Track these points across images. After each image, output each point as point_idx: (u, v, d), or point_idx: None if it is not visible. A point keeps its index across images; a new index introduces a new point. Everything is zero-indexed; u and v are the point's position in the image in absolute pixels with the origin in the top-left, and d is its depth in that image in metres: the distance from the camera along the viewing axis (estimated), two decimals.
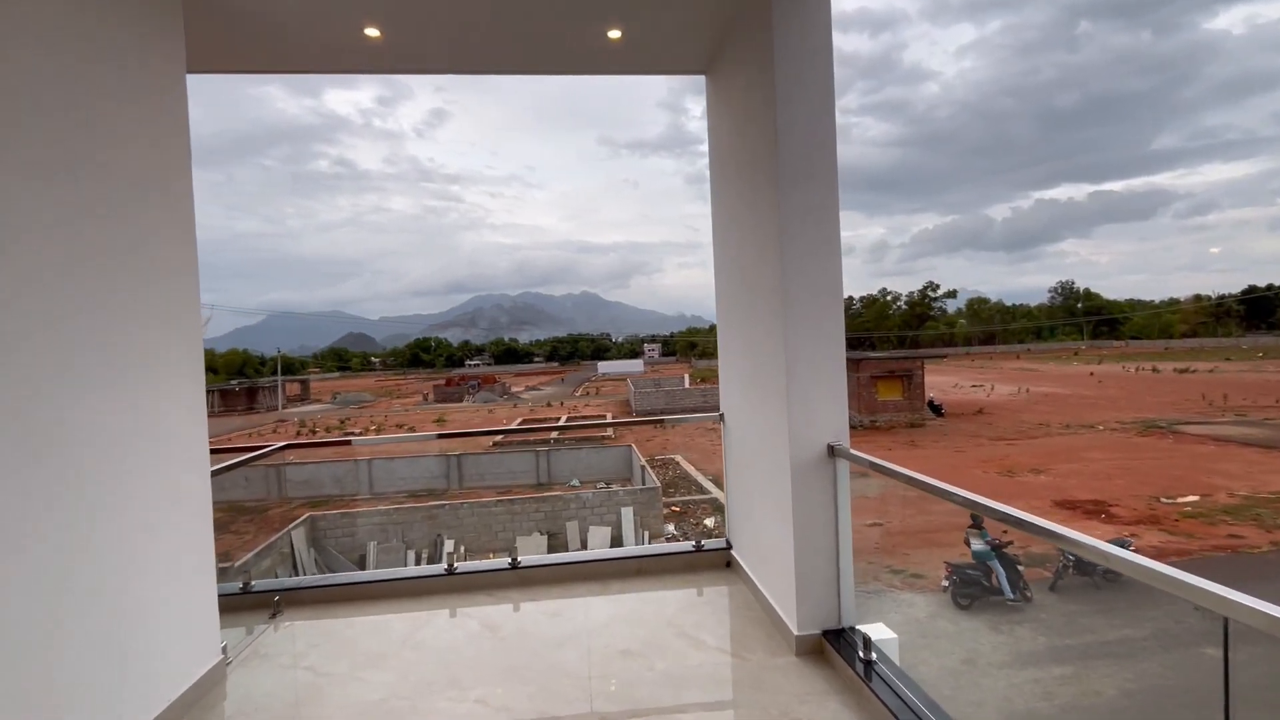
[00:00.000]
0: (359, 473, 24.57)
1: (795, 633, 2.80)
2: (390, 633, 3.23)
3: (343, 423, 48.13)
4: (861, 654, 2.57)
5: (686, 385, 51.85)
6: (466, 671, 2.79)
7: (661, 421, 5.67)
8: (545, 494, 19.84)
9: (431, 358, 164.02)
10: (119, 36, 2.45)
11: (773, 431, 2.99)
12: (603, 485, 23.06)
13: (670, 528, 17.95)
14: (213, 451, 3.83)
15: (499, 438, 34.39)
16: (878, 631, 3.39)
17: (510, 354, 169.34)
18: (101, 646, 2.22)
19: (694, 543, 4.01)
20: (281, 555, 15.11)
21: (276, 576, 14.65)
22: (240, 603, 3.61)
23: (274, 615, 3.49)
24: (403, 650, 3.02)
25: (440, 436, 5.39)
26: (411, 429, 41.50)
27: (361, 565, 16.56)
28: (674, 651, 2.91)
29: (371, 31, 3.18)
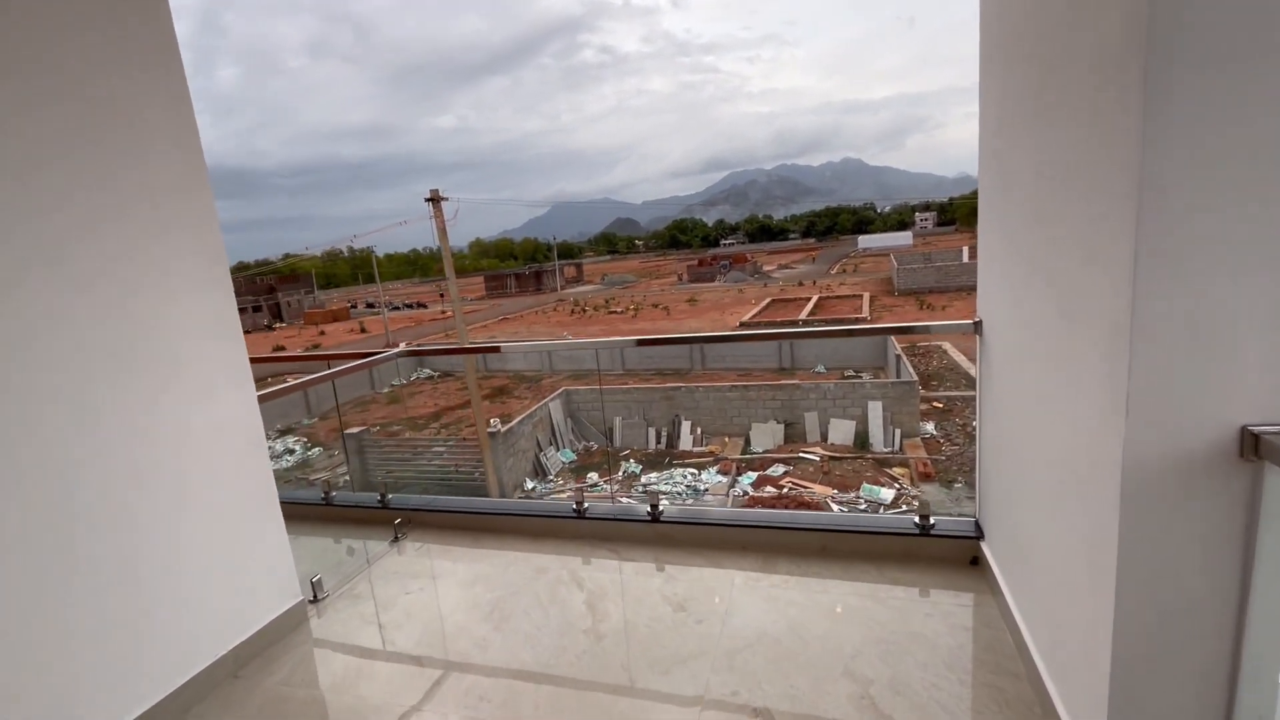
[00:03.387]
0: (611, 352, 26.35)
1: None
2: (489, 588, 2.62)
3: (608, 302, 52.54)
4: None
5: (965, 259, 44.10)
6: (532, 694, 2.00)
7: (908, 330, 4.12)
8: (784, 381, 18.75)
9: (688, 238, 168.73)
10: None
11: (1081, 383, 1.39)
12: (850, 374, 21.06)
13: (929, 427, 15.58)
14: (360, 355, 3.53)
15: (745, 318, 33.80)
16: None
17: (764, 231, 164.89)
18: (133, 601, 1.92)
19: (918, 519, 2.58)
20: (543, 422, 16.99)
21: (541, 449, 16.58)
22: (377, 516, 3.38)
23: (396, 540, 3.17)
24: (484, 626, 2.37)
25: (598, 344, 4.61)
26: (666, 309, 43.37)
27: (610, 438, 17.89)
28: None
29: None
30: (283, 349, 42.23)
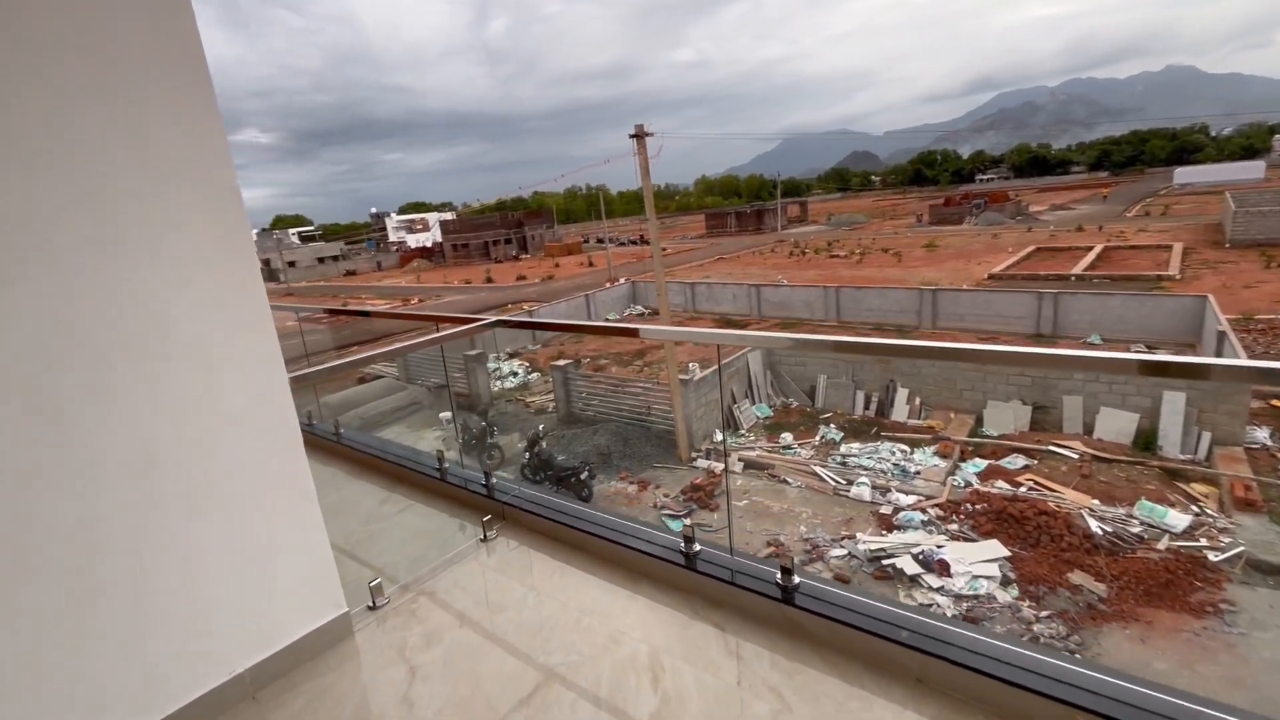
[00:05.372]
0: (827, 300, 24.22)
1: None
2: (547, 646, 2.02)
3: (830, 244, 48.79)
4: None
5: None
6: None
7: None
8: (1040, 351, 15.30)
9: (935, 173, 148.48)
10: None
11: None
12: (1140, 349, 16.46)
13: (1260, 434, 11.46)
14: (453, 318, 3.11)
15: (997, 269, 28.44)
16: None
17: (1037, 163, 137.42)
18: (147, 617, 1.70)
19: None
20: (739, 373, 16.23)
21: (735, 401, 15.86)
22: (479, 503, 2.98)
23: (484, 539, 2.72)
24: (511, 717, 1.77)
25: (754, 339, 3.59)
26: (897, 254, 38.73)
27: (811, 397, 16.50)
28: None
29: None
30: (524, 278, 47.13)
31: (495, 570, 2.53)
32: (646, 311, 30.57)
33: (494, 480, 3.03)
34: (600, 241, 67.29)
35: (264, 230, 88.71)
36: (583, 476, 11.79)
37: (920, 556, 8.73)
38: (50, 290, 1.52)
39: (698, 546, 2.28)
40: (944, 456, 12.12)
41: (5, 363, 1.47)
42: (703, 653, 1.94)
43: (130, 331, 1.65)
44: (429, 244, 76.63)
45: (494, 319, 2.76)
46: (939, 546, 8.99)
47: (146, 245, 1.66)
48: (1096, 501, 9.82)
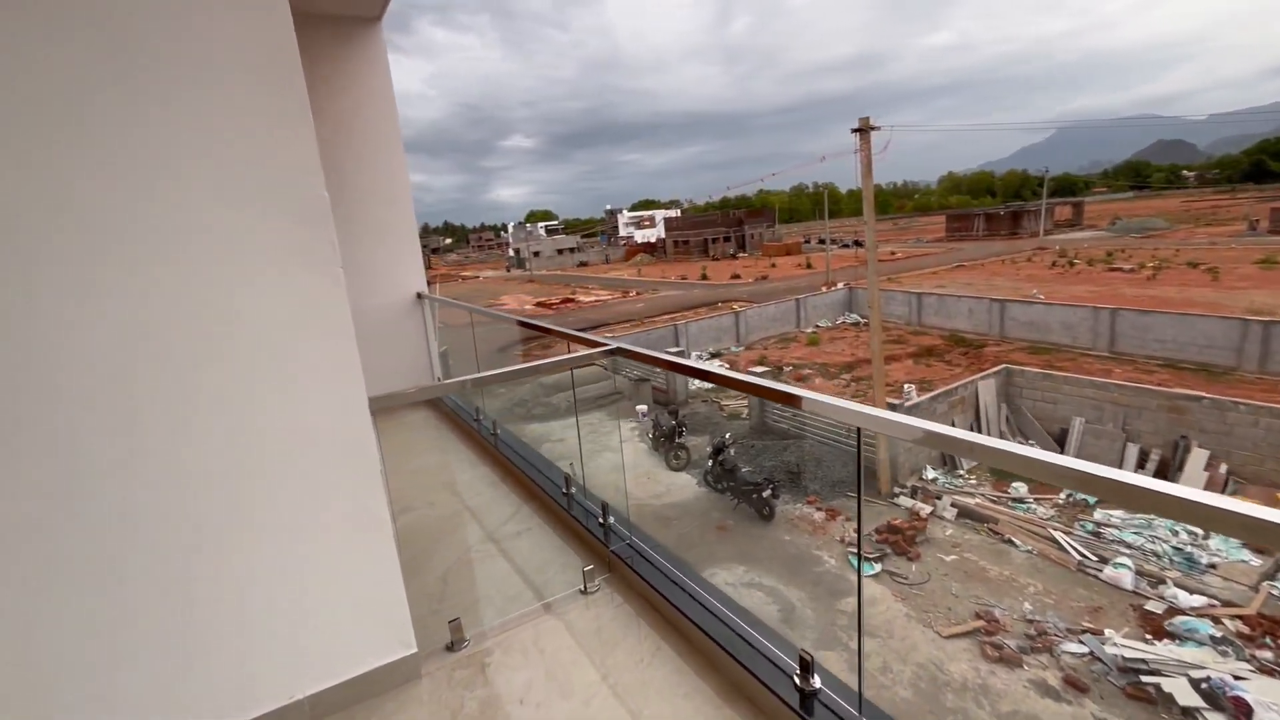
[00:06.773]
0: (1098, 323, 19.78)
1: None
2: None
3: (1110, 255, 40.27)
4: None
5: None
6: None
7: None
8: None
9: None
10: None
11: None
12: None
13: None
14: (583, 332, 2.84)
15: None
16: None
17: None
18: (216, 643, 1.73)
19: None
20: (964, 403, 13.97)
21: (953, 425, 13.73)
22: (591, 544, 2.70)
23: (584, 591, 2.42)
24: None
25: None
26: (1212, 271, 30.40)
27: (1060, 442, 13.57)
28: None
29: None
30: (738, 277, 46.88)
31: (583, 634, 2.20)
32: (863, 320, 28.18)
33: (610, 519, 2.72)
34: (821, 242, 64.19)
35: (519, 224, 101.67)
36: (765, 494, 11.11)
37: (1204, 684, 6.50)
38: (126, 296, 1.53)
39: (817, 682, 1.68)
40: (1259, 552, 8.98)
41: (79, 369, 1.50)
42: None
43: (203, 343, 1.63)
44: (653, 239, 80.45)
45: (615, 345, 2.42)
46: (1237, 677, 6.60)
47: (227, 254, 1.62)
48: None
